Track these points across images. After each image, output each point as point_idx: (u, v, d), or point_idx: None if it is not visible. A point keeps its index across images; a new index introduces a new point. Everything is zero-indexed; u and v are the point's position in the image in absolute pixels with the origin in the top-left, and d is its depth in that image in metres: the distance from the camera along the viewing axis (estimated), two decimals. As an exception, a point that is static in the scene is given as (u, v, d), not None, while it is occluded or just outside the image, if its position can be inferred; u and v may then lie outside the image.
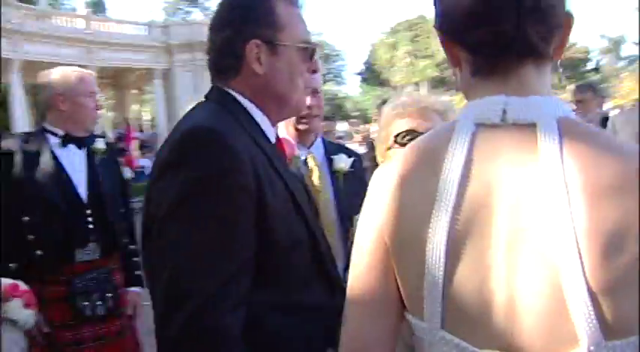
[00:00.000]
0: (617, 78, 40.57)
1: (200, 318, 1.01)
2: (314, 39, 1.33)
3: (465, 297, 0.75)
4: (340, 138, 15.15)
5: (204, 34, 1.45)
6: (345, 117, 35.62)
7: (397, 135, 1.54)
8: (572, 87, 4.99)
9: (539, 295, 0.70)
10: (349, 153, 2.21)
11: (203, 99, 1.28)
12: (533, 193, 0.72)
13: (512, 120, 0.76)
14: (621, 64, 48.61)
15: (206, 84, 1.33)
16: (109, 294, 2.32)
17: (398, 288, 0.84)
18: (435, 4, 0.84)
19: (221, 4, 1.26)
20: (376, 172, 0.90)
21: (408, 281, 0.82)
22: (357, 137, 17.43)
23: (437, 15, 0.84)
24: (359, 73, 54.20)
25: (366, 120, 37.28)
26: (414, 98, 1.61)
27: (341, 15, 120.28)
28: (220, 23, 1.23)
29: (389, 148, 1.57)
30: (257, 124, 1.23)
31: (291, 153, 1.87)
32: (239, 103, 1.22)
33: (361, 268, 0.87)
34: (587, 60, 49.82)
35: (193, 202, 1.05)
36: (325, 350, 1.16)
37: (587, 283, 0.67)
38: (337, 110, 38.34)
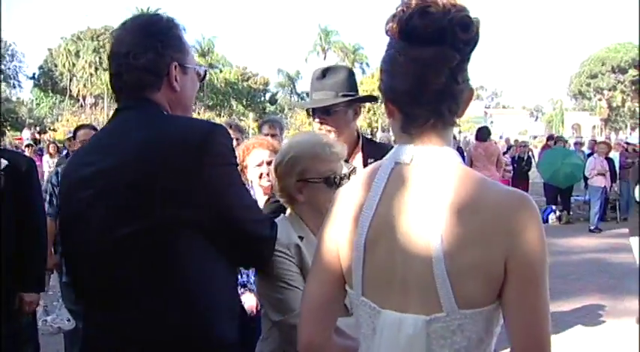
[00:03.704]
0: (291, 111, 44.67)
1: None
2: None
3: (376, 274, 1.09)
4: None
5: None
6: (22, 124, 32.79)
7: None
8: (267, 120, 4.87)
9: (421, 276, 1.03)
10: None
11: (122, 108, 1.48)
12: (419, 210, 1.05)
13: (417, 161, 1.08)
14: (295, 98, 52.75)
15: None
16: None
17: (341, 267, 1.16)
18: (382, 81, 1.14)
19: (132, 31, 1.45)
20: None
21: (347, 262, 1.14)
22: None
23: (385, 88, 1.13)
24: (32, 78, 49.56)
25: (43, 129, 34.19)
26: None
27: (20, 11, 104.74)
28: (142, 47, 1.41)
29: None
30: None
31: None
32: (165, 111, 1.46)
33: (320, 258, 1.19)
34: (266, 91, 53.88)
35: (234, 174, 1.43)
36: None
37: (447, 271, 0.99)
38: (9, 116, 33.88)
